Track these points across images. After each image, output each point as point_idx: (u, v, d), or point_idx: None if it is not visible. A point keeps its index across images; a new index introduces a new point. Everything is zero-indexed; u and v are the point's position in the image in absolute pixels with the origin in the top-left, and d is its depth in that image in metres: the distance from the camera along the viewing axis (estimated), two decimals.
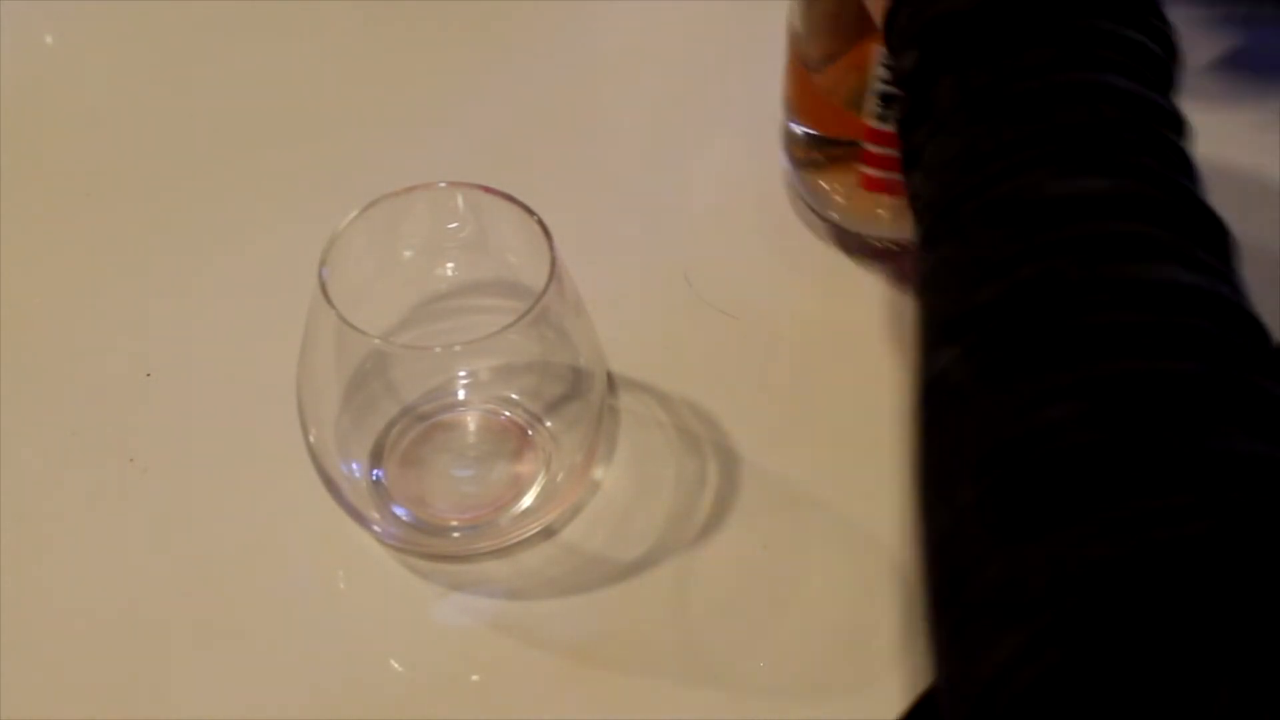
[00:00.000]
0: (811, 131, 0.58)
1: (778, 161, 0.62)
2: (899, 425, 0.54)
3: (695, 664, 0.47)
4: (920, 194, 0.37)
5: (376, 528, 0.49)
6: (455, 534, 0.50)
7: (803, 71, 0.57)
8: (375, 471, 0.50)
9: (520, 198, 0.47)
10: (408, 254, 0.51)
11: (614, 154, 0.66)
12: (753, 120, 0.66)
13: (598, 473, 0.52)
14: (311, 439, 0.47)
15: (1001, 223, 0.33)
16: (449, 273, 0.53)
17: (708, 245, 0.61)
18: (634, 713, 0.46)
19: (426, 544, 0.50)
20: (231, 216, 0.62)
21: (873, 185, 0.56)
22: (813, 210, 0.61)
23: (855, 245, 0.60)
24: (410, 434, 0.51)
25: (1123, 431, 0.29)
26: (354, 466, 0.49)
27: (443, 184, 0.48)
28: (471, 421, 0.53)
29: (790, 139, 0.60)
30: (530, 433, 0.52)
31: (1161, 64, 0.37)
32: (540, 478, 0.51)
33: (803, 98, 0.58)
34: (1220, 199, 0.35)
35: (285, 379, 0.47)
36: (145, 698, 0.46)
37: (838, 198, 0.59)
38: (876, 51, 0.50)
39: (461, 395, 0.52)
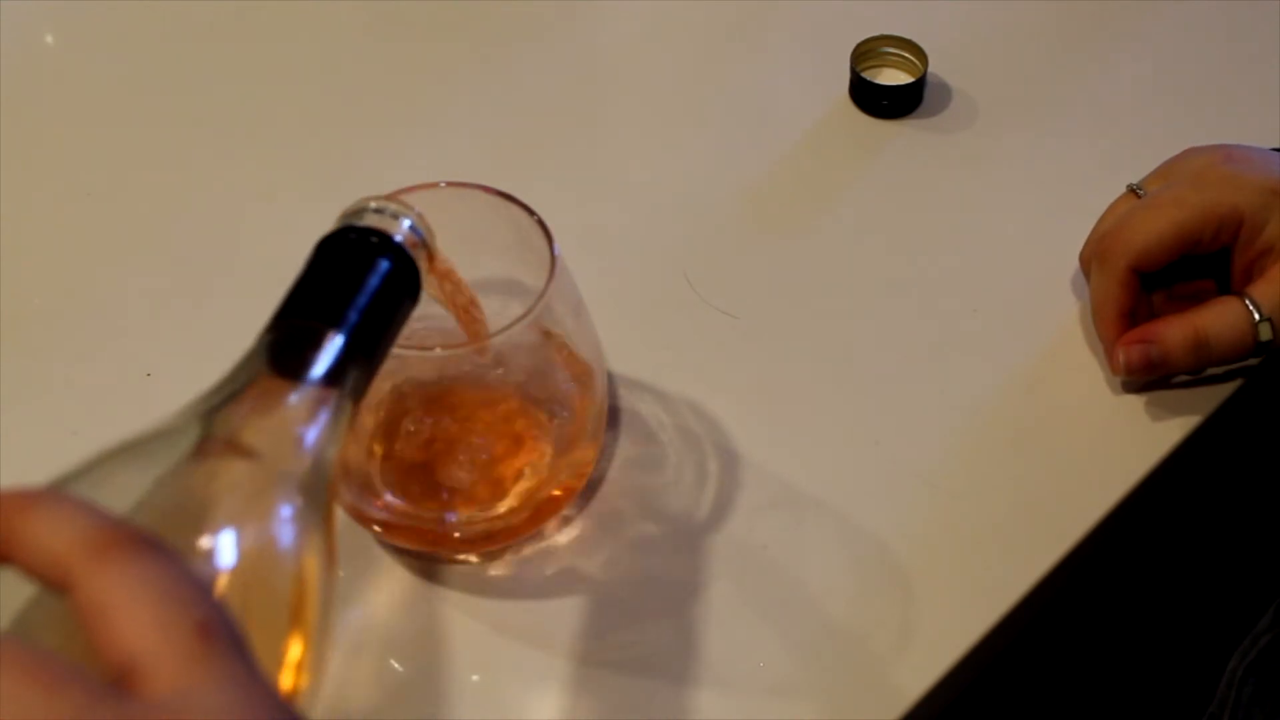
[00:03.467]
0: None
1: (775, 158, 0.62)
2: (899, 425, 0.54)
3: (695, 664, 0.47)
4: None
5: (377, 527, 0.49)
6: (455, 534, 0.50)
7: None
8: (375, 471, 0.50)
9: (520, 198, 0.47)
10: None
11: (615, 154, 0.66)
12: (752, 118, 0.66)
13: (598, 473, 0.52)
14: None
15: None
16: None
17: (708, 245, 0.61)
18: (634, 713, 0.46)
19: (426, 544, 0.50)
20: (231, 216, 0.62)
21: None
22: None
23: None
24: (410, 434, 0.51)
25: None
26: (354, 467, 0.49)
27: (443, 184, 0.48)
28: (471, 421, 0.53)
29: None
30: (530, 432, 0.52)
31: None
32: (541, 477, 0.50)
33: None
34: None
35: None
36: None
37: None
38: None
39: (461, 395, 0.52)
